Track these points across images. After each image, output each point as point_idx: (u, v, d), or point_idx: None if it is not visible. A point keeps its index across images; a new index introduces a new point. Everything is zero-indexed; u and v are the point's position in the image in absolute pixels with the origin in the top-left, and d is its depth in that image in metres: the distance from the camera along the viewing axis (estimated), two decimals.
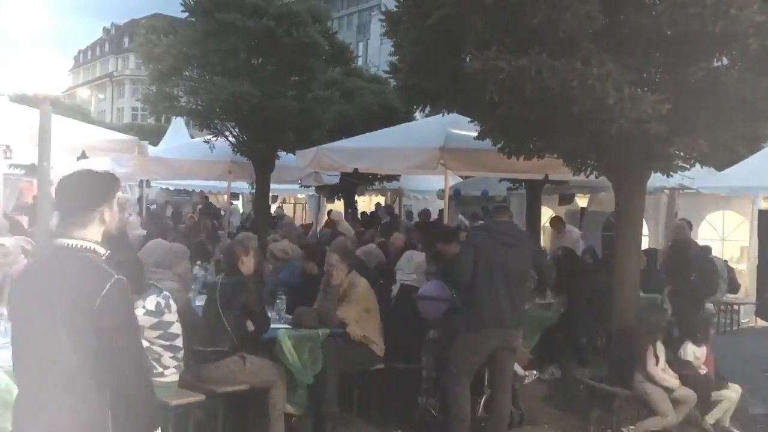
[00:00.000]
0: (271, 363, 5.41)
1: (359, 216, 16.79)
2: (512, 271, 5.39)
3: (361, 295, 5.90)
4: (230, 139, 11.73)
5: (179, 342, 4.88)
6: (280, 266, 7.49)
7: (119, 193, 2.73)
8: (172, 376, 4.85)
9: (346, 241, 6.82)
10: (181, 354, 4.90)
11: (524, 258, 5.58)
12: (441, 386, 5.73)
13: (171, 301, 4.85)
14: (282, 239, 8.50)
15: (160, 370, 4.75)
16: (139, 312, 4.58)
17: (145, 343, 4.63)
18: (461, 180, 14.20)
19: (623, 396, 5.95)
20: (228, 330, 5.21)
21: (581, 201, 13.80)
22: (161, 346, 4.77)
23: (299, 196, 19.71)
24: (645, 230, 9.97)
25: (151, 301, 4.73)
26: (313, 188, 16.31)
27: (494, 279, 5.31)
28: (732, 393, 6.34)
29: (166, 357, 4.80)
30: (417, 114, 12.90)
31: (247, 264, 5.54)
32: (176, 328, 4.85)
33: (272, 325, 5.64)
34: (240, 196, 18.30)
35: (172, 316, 4.83)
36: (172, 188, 17.95)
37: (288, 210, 20.54)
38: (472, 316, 5.39)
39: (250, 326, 5.39)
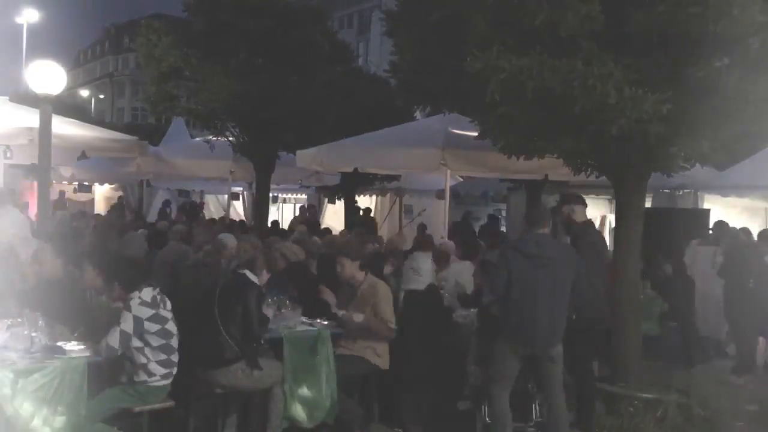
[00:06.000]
0: (277, 364, 5.29)
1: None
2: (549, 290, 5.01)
3: (382, 299, 5.56)
4: (230, 139, 11.73)
5: (174, 342, 4.76)
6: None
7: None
8: (160, 381, 4.70)
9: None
10: (175, 357, 4.77)
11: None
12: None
13: (166, 299, 4.78)
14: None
15: (144, 378, 4.64)
16: (135, 303, 4.58)
17: (138, 343, 4.60)
18: (461, 180, 14.17)
19: (625, 395, 5.94)
20: (227, 339, 4.99)
21: None
22: (156, 347, 4.65)
23: (299, 196, 19.65)
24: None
25: (147, 293, 4.66)
26: (314, 188, 16.28)
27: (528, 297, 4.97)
28: None
29: (154, 364, 4.66)
30: (417, 114, 12.85)
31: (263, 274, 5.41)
32: (172, 327, 4.75)
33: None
34: (240, 196, 18.28)
35: (167, 313, 4.74)
36: (172, 188, 17.95)
37: (288, 210, 20.47)
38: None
39: None
